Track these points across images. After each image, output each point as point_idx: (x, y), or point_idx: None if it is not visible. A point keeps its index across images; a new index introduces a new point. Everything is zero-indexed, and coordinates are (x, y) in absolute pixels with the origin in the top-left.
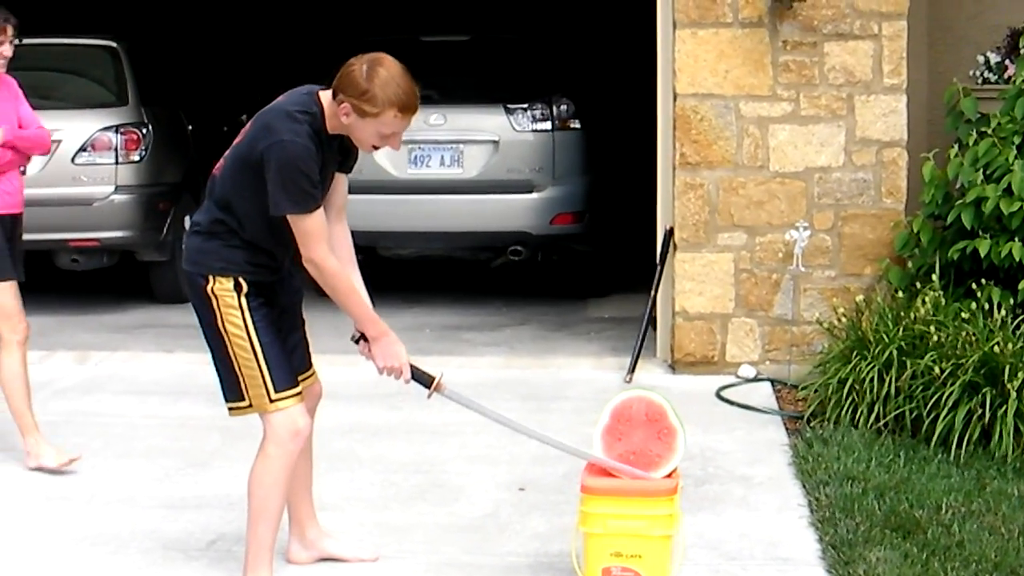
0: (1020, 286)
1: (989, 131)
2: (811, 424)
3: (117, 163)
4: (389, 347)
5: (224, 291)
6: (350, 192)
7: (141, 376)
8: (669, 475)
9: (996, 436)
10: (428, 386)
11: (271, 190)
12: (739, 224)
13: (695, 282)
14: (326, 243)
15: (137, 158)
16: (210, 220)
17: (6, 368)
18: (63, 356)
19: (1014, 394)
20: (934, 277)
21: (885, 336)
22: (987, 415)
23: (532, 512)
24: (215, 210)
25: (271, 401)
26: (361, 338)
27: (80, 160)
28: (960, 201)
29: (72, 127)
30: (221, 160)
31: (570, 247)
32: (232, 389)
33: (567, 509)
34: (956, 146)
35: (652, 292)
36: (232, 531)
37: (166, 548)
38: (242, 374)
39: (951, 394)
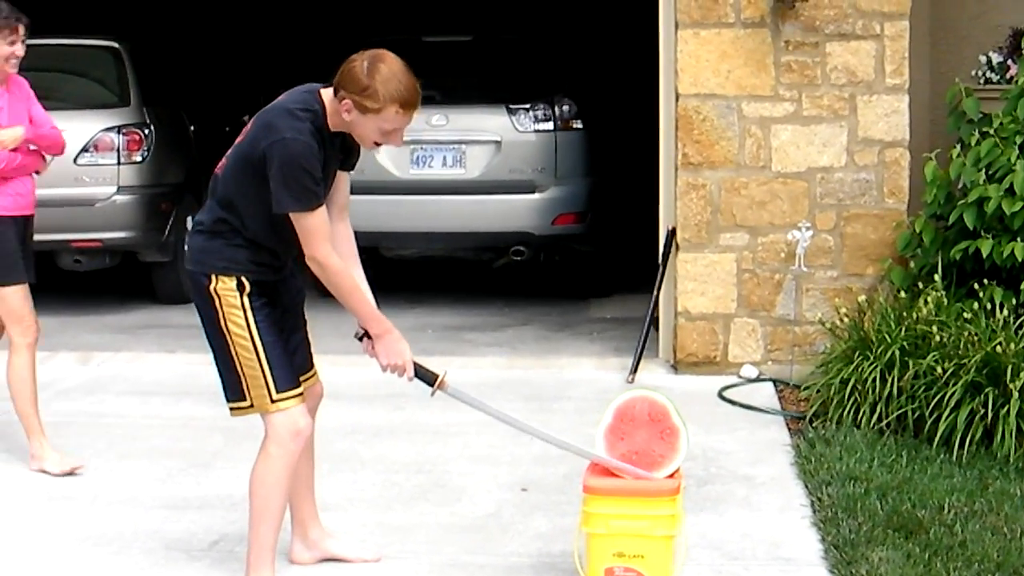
0: (1022, 286)
1: (991, 131)
2: (813, 424)
3: (119, 164)
4: (393, 345)
5: (227, 291)
6: (352, 192)
7: (144, 377)
8: (672, 475)
9: (998, 436)
10: (431, 384)
11: (273, 188)
12: (741, 224)
13: (697, 282)
14: (329, 241)
15: (139, 159)
16: (213, 219)
17: (15, 370)
18: (66, 357)
19: (1016, 394)
20: (936, 277)
21: (887, 336)
22: (989, 415)
23: (534, 512)
24: (218, 209)
25: (273, 401)
26: (365, 336)
27: (82, 161)
28: (962, 201)
29: (74, 128)
30: (223, 159)
31: (572, 247)
32: (234, 389)
33: (569, 509)
34: (958, 146)
35: (654, 292)
36: (235, 531)
37: (169, 548)
38: (244, 374)
39: (953, 394)
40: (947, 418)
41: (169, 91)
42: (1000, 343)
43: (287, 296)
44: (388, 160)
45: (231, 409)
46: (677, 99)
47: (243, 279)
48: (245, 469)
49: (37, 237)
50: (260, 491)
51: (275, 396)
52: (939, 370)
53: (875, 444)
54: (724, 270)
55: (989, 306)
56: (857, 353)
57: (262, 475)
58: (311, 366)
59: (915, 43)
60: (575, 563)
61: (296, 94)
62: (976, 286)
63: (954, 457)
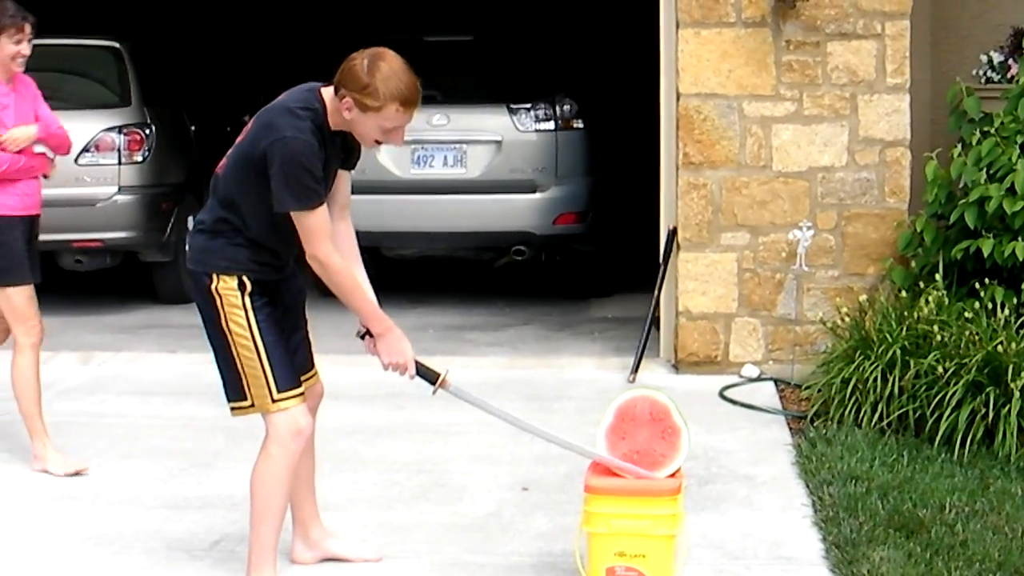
0: (1023, 286)
1: (992, 130)
2: (814, 424)
3: (120, 164)
4: (394, 343)
5: (228, 290)
6: (353, 192)
7: (145, 377)
8: (673, 475)
9: (999, 435)
10: (433, 382)
11: (274, 187)
12: (742, 224)
13: (698, 282)
14: (330, 240)
15: (140, 159)
16: (214, 219)
17: (19, 370)
18: (67, 357)
19: (1017, 393)
20: (937, 277)
21: (888, 336)
22: (990, 414)
23: (535, 512)
24: (219, 208)
25: (274, 401)
26: (366, 334)
27: (83, 161)
28: (963, 200)
29: (75, 128)
30: (224, 159)
31: (573, 247)
32: (234, 389)
33: (570, 509)
34: (959, 145)
35: (655, 292)
36: (236, 531)
37: (170, 548)
38: (245, 374)
39: (954, 393)
40: (948, 417)
41: (170, 91)
42: (1001, 342)
43: (288, 295)
44: (389, 160)
45: (232, 409)
46: (678, 98)
47: (244, 279)
48: (246, 469)
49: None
50: (261, 491)
51: (276, 396)
52: (940, 369)
53: (876, 443)
54: (725, 270)
55: (990, 305)
56: (858, 352)
57: (263, 475)
58: (312, 366)
59: (916, 42)
60: (576, 562)
61: (297, 93)
62: (977, 285)
63: (955, 456)
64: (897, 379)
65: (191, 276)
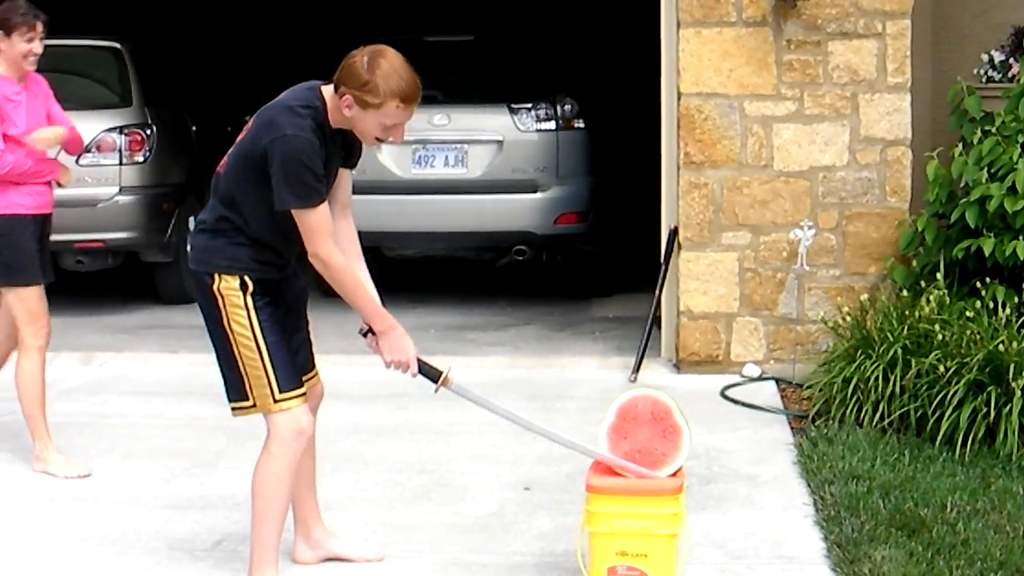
0: None
1: (993, 129)
2: (816, 423)
3: (121, 164)
4: (397, 341)
5: (230, 290)
6: (354, 192)
7: (146, 377)
8: (674, 474)
9: (1001, 434)
10: (435, 381)
11: (275, 185)
12: (743, 223)
13: (699, 281)
14: (331, 238)
15: (141, 159)
16: (215, 218)
17: (25, 372)
18: (68, 357)
19: (1019, 392)
20: (938, 276)
21: (890, 335)
22: (992, 413)
23: (537, 511)
24: (220, 208)
25: (275, 401)
26: (368, 332)
27: (84, 161)
28: (964, 200)
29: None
30: (225, 158)
31: (574, 247)
32: (236, 389)
33: (572, 508)
34: (960, 145)
35: (656, 291)
36: (238, 531)
37: (172, 548)
38: (247, 374)
39: (956, 393)
40: (949, 417)
41: (171, 91)
42: (1002, 342)
43: (290, 295)
44: (390, 160)
45: (233, 409)
46: (679, 98)
47: (246, 278)
48: (248, 469)
49: None
50: (263, 491)
51: (278, 396)
52: (941, 369)
53: (877, 443)
54: (726, 269)
55: (991, 305)
56: (859, 352)
57: (265, 475)
58: (313, 366)
59: (917, 41)
60: (578, 562)
61: (297, 91)
62: (978, 285)
63: (956, 455)
64: (898, 378)
65: (193, 276)
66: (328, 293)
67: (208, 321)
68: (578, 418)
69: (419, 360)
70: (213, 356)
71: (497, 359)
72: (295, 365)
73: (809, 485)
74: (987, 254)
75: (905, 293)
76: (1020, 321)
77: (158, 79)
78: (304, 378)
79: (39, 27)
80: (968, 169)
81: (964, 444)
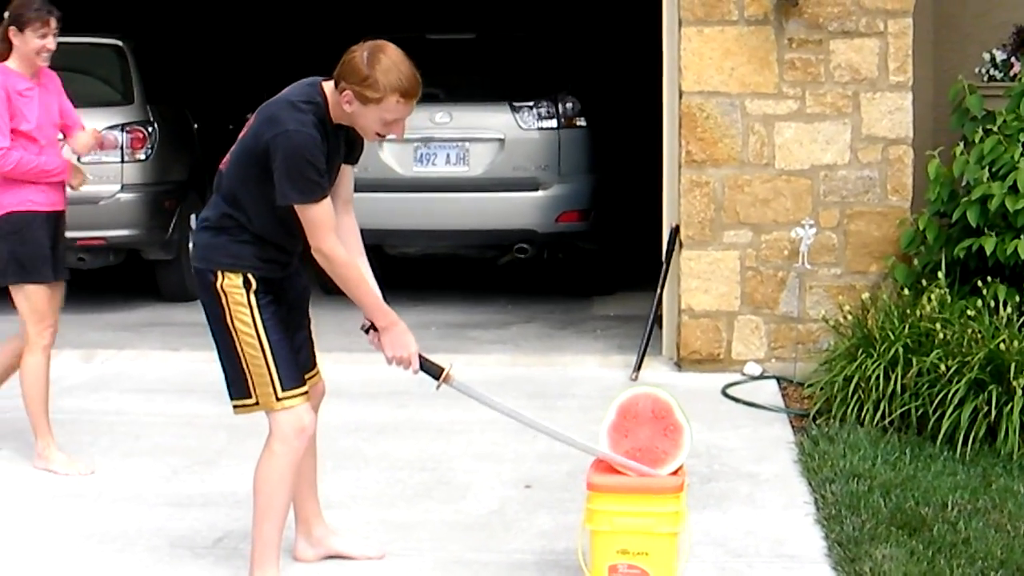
0: None
1: (995, 128)
2: (817, 422)
3: (123, 161)
4: (398, 337)
5: (233, 288)
6: (356, 190)
7: (147, 374)
8: (675, 472)
9: (1002, 433)
10: (437, 377)
11: (278, 180)
12: (745, 222)
13: (701, 280)
14: (334, 233)
15: (143, 156)
16: (219, 215)
17: (29, 370)
18: (70, 354)
19: (1020, 391)
20: (940, 275)
21: (891, 334)
22: (993, 412)
23: (538, 510)
24: (223, 205)
25: (278, 399)
26: (370, 328)
27: (86, 158)
28: (966, 199)
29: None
30: (227, 155)
31: (576, 245)
32: (238, 387)
33: (573, 507)
34: (962, 143)
35: (658, 290)
36: (239, 529)
37: (173, 546)
38: (249, 372)
39: (957, 391)
40: (950, 415)
41: (173, 89)
42: (1003, 340)
43: (292, 293)
44: (392, 158)
45: (235, 407)
46: (680, 97)
47: (249, 276)
48: (249, 466)
49: None
50: (264, 489)
51: (280, 394)
52: (942, 367)
53: (878, 441)
54: (728, 267)
55: (992, 304)
56: (860, 350)
57: (266, 473)
58: (315, 364)
59: (919, 40)
60: (579, 560)
61: (298, 87)
62: (979, 283)
63: (957, 454)
64: (899, 377)
65: (195, 273)
66: (330, 290)
67: (211, 319)
68: (579, 416)
69: (421, 357)
70: (215, 354)
71: (498, 357)
72: (297, 363)
73: (810, 484)
74: (988, 253)
75: (906, 292)
76: (1021, 320)
77: (160, 76)
78: (306, 376)
79: (53, 23)
80: (969, 168)
81: (965, 443)
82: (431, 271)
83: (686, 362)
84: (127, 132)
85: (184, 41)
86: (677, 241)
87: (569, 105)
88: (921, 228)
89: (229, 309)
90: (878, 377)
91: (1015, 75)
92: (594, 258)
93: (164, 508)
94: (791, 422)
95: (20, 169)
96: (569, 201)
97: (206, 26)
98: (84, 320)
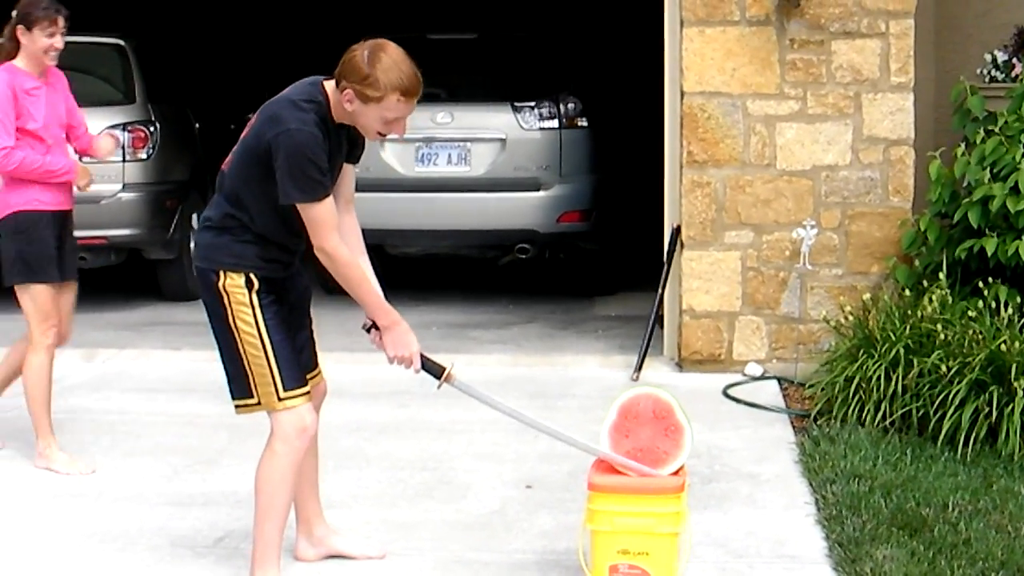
0: None
1: (996, 129)
2: (818, 422)
3: (124, 161)
4: (400, 336)
5: (235, 288)
6: (358, 190)
7: (149, 374)
8: (676, 472)
9: (1003, 434)
10: (438, 376)
11: (280, 179)
12: (746, 222)
13: (702, 280)
14: (337, 232)
15: (144, 156)
16: (221, 215)
17: (32, 370)
18: (71, 354)
19: (1021, 392)
20: (941, 275)
21: (892, 334)
22: (994, 413)
23: (539, 510)
24: (225, 205)
25: (280, 400)
26: (372, 327)
27: (87, 158)
28: (967, 199)
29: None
30: (229, 155)
31: (577, 245)
32: (240, 387)
33: (574, 507)
34: (963, 144)
35: (659, 290)
36: (240, 528)
37: (174, 545)
38: (251, 372)
39: (958, 392)
40: (951, 416)
41: (174, 88)
42: (1005, 341)
43: (294, 293)
44: (393, 158)
45: (237, 407)
46: (682, 97)
47: (252, 276)
48: (250, 466)
49: None
50: (266, 488)
51: (283, 394)
52: (943, 368)
53: (879, 442)
54: (729, 268)
55: (994, 304)
56: (861, 351)
57: (267, 473)
58: (316, 364)
59: (920, 41)
60: (580, 560)
61: (300, 86)
62: (981, 284)
63: (958, 455)
64: (900, 378)
65: (198, 273)
66: (331, 290)
67: (212, 318)
68: (580, 416)
69: (422, 356)
70: (216, 353)
71: (499, 357)
72: (299, 363)
73: (811, 484)
74: (989, 254)
75: (907, 293)
76: (1022, 321)
77: (161, 76)
78: (308, 376)
79: (61, 22)
80: (971, 169)
81: (966, 444)
82: (432, 271)
83: (687, 362)
84: (129, 131)
85: (186, 40)
86: (678, 241)
87: (571, 105)
88: (922, 229)
89: (231, 309)
90: (879, 378)
91: (1016, 76)
92: (595, 258)
93: (165, 507)
94: (792, 423)
95: (24, 169)
96: (570, 201)
97: (208, 25)
98: (85, 319)
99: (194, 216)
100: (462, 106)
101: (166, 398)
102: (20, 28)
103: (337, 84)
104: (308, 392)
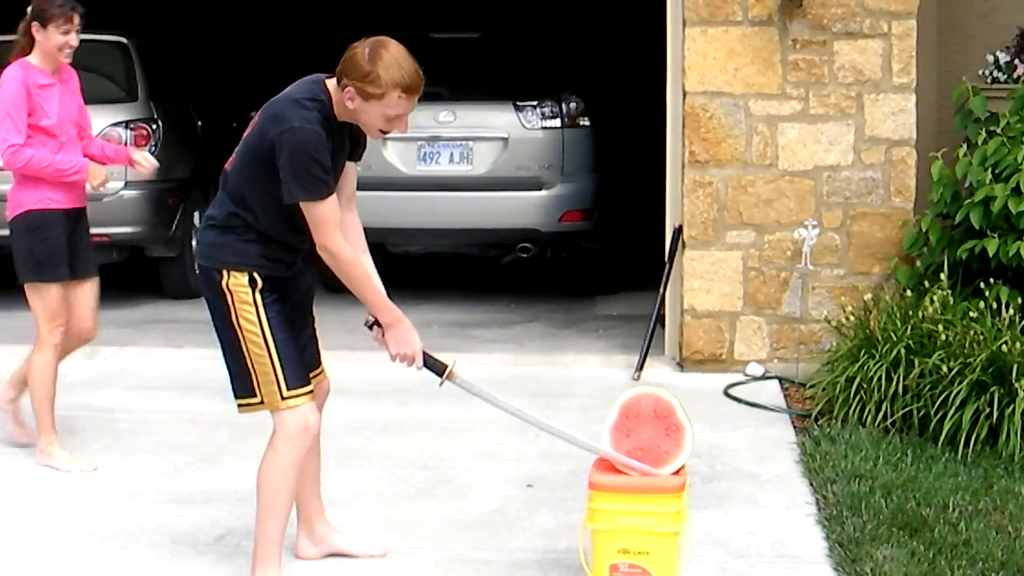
0: None
1: (998, 130)
2: (819, 422)
3: None
4: (403, 334)
5: (239, 286)
6: (359, 188)
7: (150, 371)
8: (677, 472)
9: (1003, 435)
10: (440, 374)
11: (283, 178)
12: (748, 222)
13: (704, 280)
14: (339, 230)
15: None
16: (225, 214)
17: (37, 367)
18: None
19: (1022, 393)
20: (942, 276)
21: (893, 335)
22: (995, 414)
23: (540, 509)
24: (229, 203)
25: (283, 398)
26: (374, 324)
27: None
28: (968, 200)
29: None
30: (233, 154)
31: (579, 244)
32: (243, 385)
33: (575, 506)
34: (965, 145)
35: (660, 290)
36: (241, 526)
37: (175, 543)
38: (254, 370)
39: (959, 393)
40: (952, 417)
41: (177, 86)
42: (1006, 342)
43: (297, 292)
44: (395, 156)
45: (240, 405)
46: (684, 97)
47: (255, 275)
48: (252, 464)
49: None
50: (267, 487)
51: (286, 393)
52: (944, 369)
53: (880, 442)
54: (730, 268)
55: (995, 305)
56: (863, 351)
57: (269, 471)
58: (319, 363)
59: (922, 42)
60: (580, 559)
61: (302, 84)
62: (982, 285)
63: (959, 456)
64: (901, 378)
65: (201, 272)
66: (333, 288)
67: (215, 317)
68: (581, 416)
69: (424, 354)
70: (218, 351)
71: (501, 356)
72: (302, 362)
73: (811, 484)
74: (991, 255)
75: (909, 293)
76: (1023, 322)
77: (164, 74)
78: (311, 375)
79: (76, 19)
80: (972, 170)
81: (967, 444)
82: (434, 270)
83: (688, 362)
84: (131, 129)
85: (188, 38)
86: (680, 241)
87: (573, 105)
88: (924, 229)
89: (234, 308)
90: (880, 378)
91: (1018, 77)
92: (597, 258)
93: (166, 505)
94: (793, 422)
95: (33, 167)
96: (572, 201)
97: (210, 24)
98: None
99: (196, 214)
100: (464, 105)
101: (167, 396)
102: (35, 25)
103: (339, 82)
104: (311, 391)
